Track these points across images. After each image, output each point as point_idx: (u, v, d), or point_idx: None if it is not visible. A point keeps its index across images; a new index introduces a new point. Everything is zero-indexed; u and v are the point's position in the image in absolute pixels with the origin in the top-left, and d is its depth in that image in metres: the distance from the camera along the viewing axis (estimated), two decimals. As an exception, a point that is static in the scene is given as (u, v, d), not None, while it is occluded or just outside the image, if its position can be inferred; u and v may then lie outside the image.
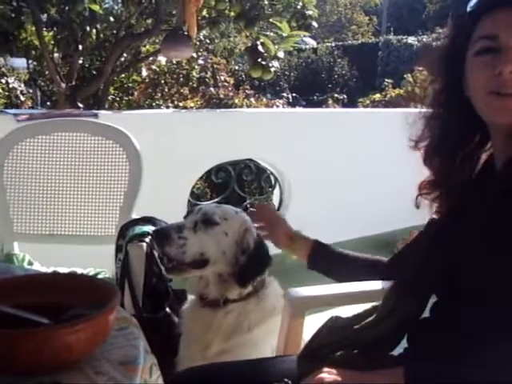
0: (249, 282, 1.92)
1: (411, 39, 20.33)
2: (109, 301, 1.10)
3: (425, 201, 1.54)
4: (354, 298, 1.76)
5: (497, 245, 1.26)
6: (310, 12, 5.23)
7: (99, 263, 2.51)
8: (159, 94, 7.70)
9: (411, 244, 1.72)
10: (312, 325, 1.60)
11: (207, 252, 1.91)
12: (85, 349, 1.07)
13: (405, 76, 9.49)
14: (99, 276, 2.45)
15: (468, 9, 1.40)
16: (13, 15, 5.29)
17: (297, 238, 1.94)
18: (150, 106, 7.37)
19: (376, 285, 1.71)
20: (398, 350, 1.49)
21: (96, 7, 5.22)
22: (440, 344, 1.33)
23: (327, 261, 1.89)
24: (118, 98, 7.54)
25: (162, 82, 7.68)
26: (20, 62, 8.07)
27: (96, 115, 3.65)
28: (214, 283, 1.95)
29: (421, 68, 7.02)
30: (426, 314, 1.47)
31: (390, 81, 11.46)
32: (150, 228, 2.23)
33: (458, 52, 1.39)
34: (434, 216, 1.53)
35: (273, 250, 2.01)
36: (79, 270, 2.42)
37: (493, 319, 1.23)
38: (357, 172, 4.85)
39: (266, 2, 5.22)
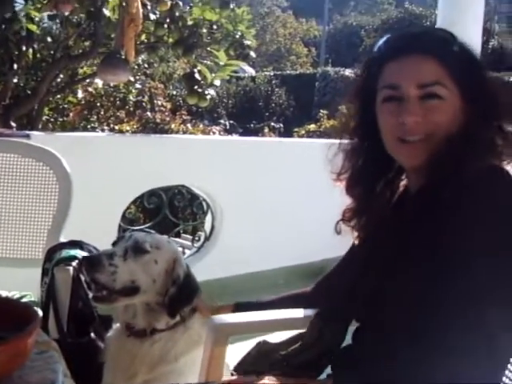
0: (178, 312, 1.90)
1: (348, 71, 20.72)
2: (28, 324, 1.10)
3: (347, 227, 1.59)
4: (276, 325, 1.79)
5: (409, 271, 1.29)
6: (249, 42, 5.32)
7: (25, 286, 2.46)
8: (95, 117, 7.64)
9: (334, 270, 1.76)
10: (239, 351, 1.62)
11: (138, 280, 1.87)
12: (2, 372, 1.06)
13: (339, 107, 9.70)
14: (24, 299, 2.40)
15: (374, 51, 1.48)
16: None
17: (216, 311, 1.90)
18: (85, 129, 7.30)
19: (298, 312, 1.74)
20: (322, 376, 1.53)
21: (33, 27, 5.17)
22: (362, 370, 1.36)
23: None
24: (52, 119, 7.42)
25: (98, 104, 7.63)
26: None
27: (28, 136, 3.59)
28: (141, 313, 1.92)
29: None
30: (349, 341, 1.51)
31: (325, 112, 11.69)
32: (77, 252, 2.21)
33: (369, 91, 1.45)
34: (356, 242, 1.58)
35: (200, 277, 2.02)
36: (4, 293, 2.37)
37: (412, 345, 1.26)
38: (289, 200, 4.88)
39: (205, 30, 5.29)
